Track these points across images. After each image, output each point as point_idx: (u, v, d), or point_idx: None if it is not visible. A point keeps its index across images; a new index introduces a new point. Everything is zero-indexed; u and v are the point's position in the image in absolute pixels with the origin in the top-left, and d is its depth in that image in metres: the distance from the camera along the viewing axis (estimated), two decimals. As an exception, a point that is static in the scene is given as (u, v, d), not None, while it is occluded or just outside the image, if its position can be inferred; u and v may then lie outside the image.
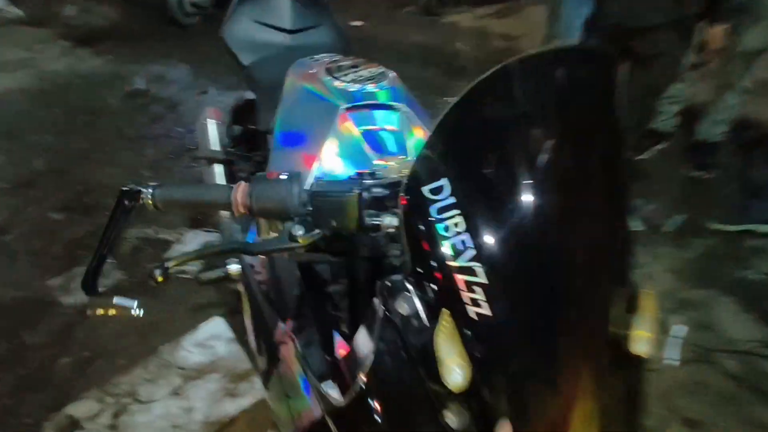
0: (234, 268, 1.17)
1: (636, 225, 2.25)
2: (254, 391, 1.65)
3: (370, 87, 0.96)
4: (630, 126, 1.96)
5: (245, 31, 1.49)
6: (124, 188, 0.67)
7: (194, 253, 0.65)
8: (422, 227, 0.50)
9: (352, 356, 0.55)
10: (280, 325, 0.78)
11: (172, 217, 2.38)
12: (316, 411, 0.62)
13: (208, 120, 1.67)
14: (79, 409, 1.62)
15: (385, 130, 0.89)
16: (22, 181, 2.66)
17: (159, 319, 1.91)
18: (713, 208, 2.36)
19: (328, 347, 0.68)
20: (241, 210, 0.63)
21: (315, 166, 0.83)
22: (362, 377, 0.51)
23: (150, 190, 0.65)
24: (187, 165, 2.77)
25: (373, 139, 0.87)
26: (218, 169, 1.61)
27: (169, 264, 0.62)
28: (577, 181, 0.51)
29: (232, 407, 1.61)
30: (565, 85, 0.51)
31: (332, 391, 0.57)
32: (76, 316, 1.93)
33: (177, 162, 2.80)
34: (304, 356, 0.68)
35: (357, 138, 0.86)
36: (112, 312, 0.79)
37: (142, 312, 0.75)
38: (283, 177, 0.61)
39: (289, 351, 0.72)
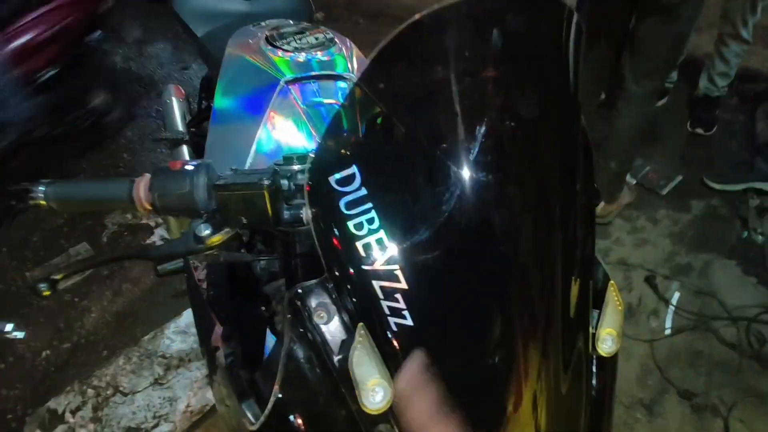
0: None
1: (632, 184, 2.16)
2: (237, 378, 1.61)
3: (318, 55, 0.86)
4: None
5: (196, 1, 1.37)
6: (10, 189, 0.58)
7: (83, 263, 0.58)
8: (332, 224, 0.42)
9: (264, 374, 0.48)
10: (217, 329, 0.72)
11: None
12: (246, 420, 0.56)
13: (172, 98, 1.58)
14: (61, 402, 1.59)
15: (331, 104, 0.80)
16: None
17: (139, 307, 1.87)
18: (714, 166, 2.25)
19: (258, 358, 0.62)
20: (145, 207, 0.55)
21: (252, 147, 0.75)
22: (277, 394, 0.45)
23: (42, 188, 0.57)
24: (167, 145, 2.68)
25: (315, 116, 0.78)
26: (185, 150, 1.53)
27: (57, 276, 0.55)
28: (517, 155, 0.43)
29: (214, 395, 1.57)
30: (503, 41, 0.42)
31: (249, 412, 0.50)
32: (56, 308, 1.89)
33: (157, 144, 2.71)
34: (230, 368, 0.61)
35: (298, 114, 0.77)
36: None
37: (21, 335, 0.67)
38: (189, 168, 0.53)
39: (221, 356, 0.66)
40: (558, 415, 0.47)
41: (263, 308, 0.68)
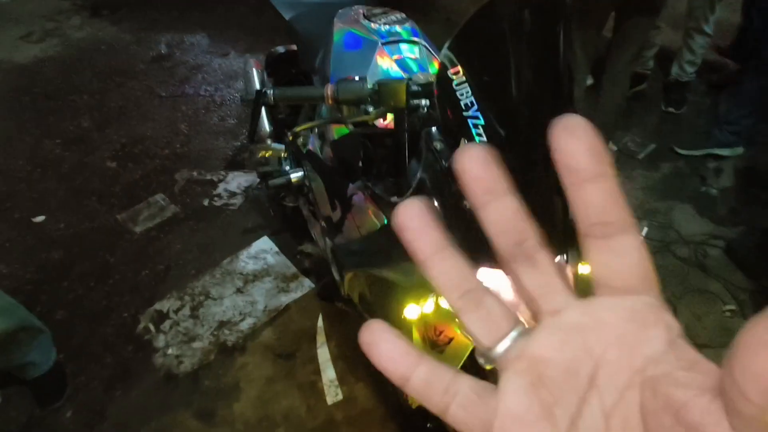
0: (295, 175, 1.56)
1: (614, 150, 2.63)
2: (302, 288, 2.06)
3: (397, 28, 1.32)
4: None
5: None
6: (257, 90, 1.03)
7: (312, 123, 1.02)
8: (448, 94, 0.87)
9: (408, 175, 0.93)
10: (350, 185, 1.16)
11: (214, 161, 2.75)
12: (380, 222, 1.01)
13: (252, 69, 2.02)
14: (165, 305, 2.04)
15: (409, 57, 1.26)
16: (73, 136, 3.02)
17: (216, 240, 2.31)
18: (682, 137, 2.73)
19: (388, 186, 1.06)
20: (330, 101, 1.00)
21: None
22: (414, 183, 0.90)
23: (271, 92, 1.01)
24: (219, 119, 3.12)
25: (402, 64, 1.24)
26: (262, 110, 1.97)
27: (297, 129, 1.00)
28: (535, 78, 0.88)
29: (285, 299, 2.02)
30: (526, 26, 0.87)
31: (394, 198, 0.95)
32: (146, 240, 2.33)
33: (209, 117, 3.14)
34: (374, 192, 1.05)
35: (391, 64, 1.23)
36: (269, 153, 1.17)
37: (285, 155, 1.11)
38: (356, 78, 0.98)
39: (360, 197, 1.10)
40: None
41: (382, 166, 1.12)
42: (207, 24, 4.19)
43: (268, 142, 1.87)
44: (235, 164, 2.74)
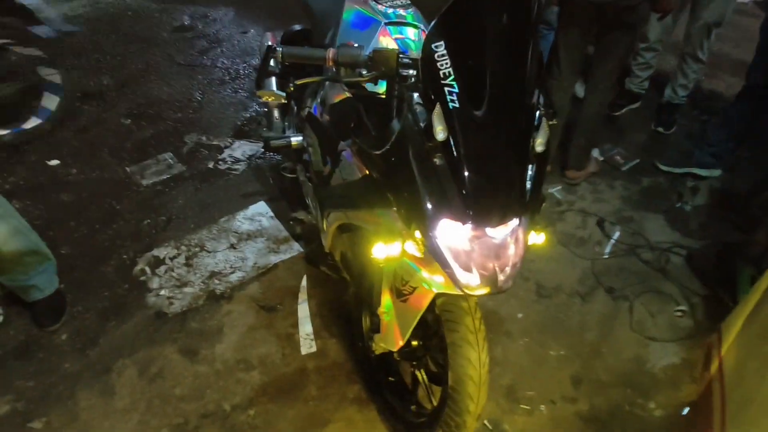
0: (295, 139, 1.71)
1: (599, 160, 2.77)
2: (291, 251, 2.21)
3: (401, 11, 1.47)
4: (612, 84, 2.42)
5: None
6: (268, 44, 1.17)
7: (311, 78, 1.17)
8: (430, 64, 1.02)
9: (389, 130, 1.07)
10: (341, 143, 1.30)
11: (223, 128, 2.91)
12: (362, 174, 1.15)
13: (268, 42, 2.17)
14: (162, 252, 2.19)
15: (409, 39, 1.41)
16: (94, 91, 3.18)
17: (216, 200, 2.46)
18: (666, 156, 2.87)
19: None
20: (330, 63, 1.14)
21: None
22: (392, 138, 1.04)
23: (280, 49, 1.16)
24: (232, 90, 3.27)
25: (402, 44, 1.39)
26: (273, 80, 2.12)
27: (298, 82, 1.14)
28: (507, 58, 1.02)
29: (275, 259, 2.17)
30: (503, 14, 1.01)
31: (375, 151, 1.09)
32: (152, 193, 2.48)
33: (223, 88, 3.29)
34: (359, 146, 1.19)
35: (392, 42, 1.38)
36: (272, 98, 1.32)
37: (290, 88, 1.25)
38: (355, 45, 1.13)
39: (348, 153, 1.25)
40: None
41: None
42: (232, 1, 4.35)
43: (289, 87, 2.01)
44: (242, 133, 2.89)
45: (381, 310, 1.36)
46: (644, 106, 3.23)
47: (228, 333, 1.90)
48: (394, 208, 1.10)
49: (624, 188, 2.66)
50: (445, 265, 1.05)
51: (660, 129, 3.11)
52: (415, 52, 1.13)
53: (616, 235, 2.33)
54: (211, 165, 2.67)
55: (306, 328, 1.91)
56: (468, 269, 1.05)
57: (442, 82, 0.99)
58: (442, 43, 1.00)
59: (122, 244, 2.22)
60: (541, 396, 1.71)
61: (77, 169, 2.60)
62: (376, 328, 1.42)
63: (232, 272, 2.12)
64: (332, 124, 1.40)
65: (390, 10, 1.45)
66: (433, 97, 1.00)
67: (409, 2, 1.52)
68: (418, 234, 1.07)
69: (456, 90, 0.99)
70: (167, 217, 2.36)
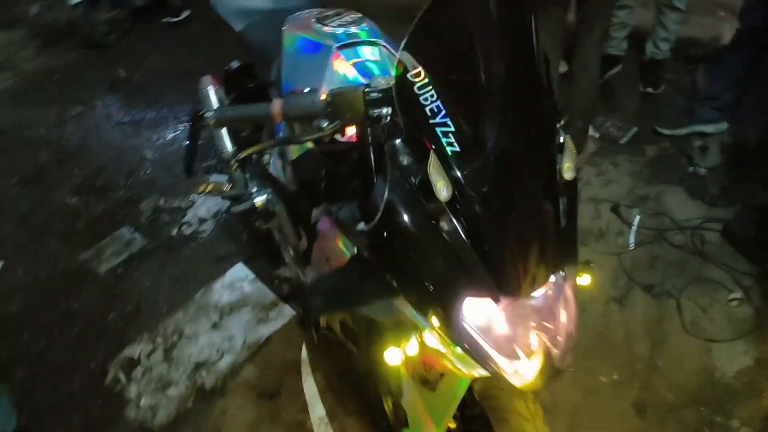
0: (259, 199, 1.42)
1: (596, 137, 2.53)
2: (283, 316, 1.92)
3: (353, 29, 1.19)
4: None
5: (232, 1, 1.68)
6: (196, 112, 0.89)
7: (257, 147, 0.89)
8: (410, 101, 0.75)
9: (374, 197, 0.80)
10: (314, 210, 1.03)
11: (181, 186, 2.60)
12: (349, 251, 0.87)
13: (209, 87, 1.87)
14: (135, 349, 1.88)
15: (370, 60, 1.13)
16: (30, 174, 2.84)
17: (187, 272, 2.16)
18: (663, 117, 2.64)
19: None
20: (278, 119, 0.86)
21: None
22: (381, 205, 0.77)
23: (211, 113, 0.88)
24: (185, 139, 2.96)
25: (362, 68, 1.11)
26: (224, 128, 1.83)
27: (241, 155, 0.86)
28: (509, 68, 0.76)
29: (266, 330, 1.88)
30: (492, 12, 0.75)
31: (360, 225, 0.82)
32: (112, 279, 2.17)
33: (173, 140, 2.98)
34: (338, 218, 0.92)
35: (350, 69, 1.10)
36: (209, 188, 1.03)
37: (230, 187, 0.98)
38: (306, 90, 0.85)
39: (325, 223, 0.97)
40: (549, 218, 0.79)
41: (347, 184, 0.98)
42: (166, 43, 4.03)
43: (231, 164, 1.73)
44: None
45: (405, 401, 1.09)
46: (627, 68, 2.99)
47: (228, 437, 1.61)
48: (401, 295, 0.82)
49: (630, 163, 2.42)
50: (481, 355, 0.79)
51: (649, 89, 2.88)
52: (382, 79, 0.86)
53: (637, 220, 2.08)
54: (174, 232, 2.36)
55: (317, 411, 1.62)
56: (512, 354, 0.78)
57: (431, 121, 0.73)
58: (420, 70, 0.73)
59: (87, 349, 1.91)
60: (606, 438, 1.45)
61: (24, 268, 2.28)
62: (403, 420, 1.14)
63: (220, 358, 1.82)
64: (299, 186, 1.12)
65: (339, 31, 1.17)
66: (422, 143, 0.74)
67: (360, 16, 1.24)
68: (436, 321, 0.80)
69: (452, 129, 0.72)
70: (135, 305, 2.05)
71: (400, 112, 0.76)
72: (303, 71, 1.16)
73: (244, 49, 1.69)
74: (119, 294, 2.11)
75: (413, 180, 0.76)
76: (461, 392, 0.98)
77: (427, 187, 0.73)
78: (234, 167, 0.89)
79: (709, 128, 2.50)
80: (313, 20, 1.22)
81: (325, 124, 0.83)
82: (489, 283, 0.74)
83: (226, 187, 1.05)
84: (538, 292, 0.79)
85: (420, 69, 0.73)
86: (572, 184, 0.83)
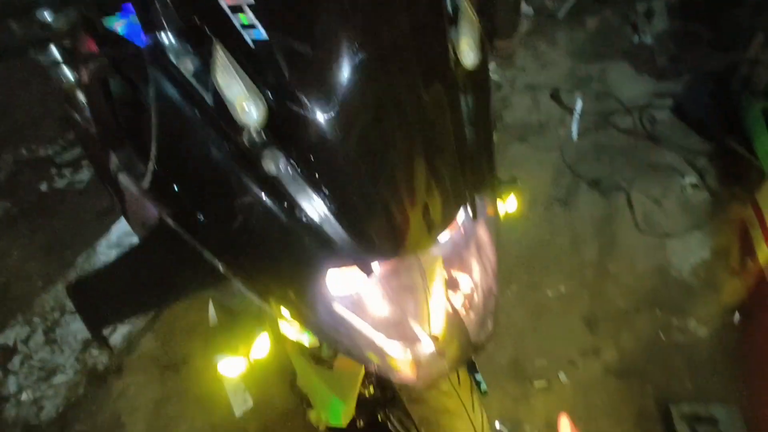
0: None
1: (530, 15, 2.19)
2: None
3: None
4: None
5: None
6: None
7: None
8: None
9: (145, 133, 0.49)
10: (112, 157, 0.70)
11: (46, 127, 2.13)
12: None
13: None
14: (10, 336, 1.57)
15: None
16: None
17: (65, 234, 1.80)
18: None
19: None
20: None
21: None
22: (154, 146, 0.46)
23: None
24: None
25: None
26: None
27: None
28: None
29: (164, 291, 1.59)
30: None
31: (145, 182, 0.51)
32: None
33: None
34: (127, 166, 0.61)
35: None
36: None
37: None
38: None
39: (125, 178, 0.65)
40: (435, 124, 0.50)
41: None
42: None
43: None
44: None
45: (300, 381, 0.86)
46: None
47: (129, 422, 1.37)
48: (234, 279, 0.55)
49: (569, 40, 2.12)
50: (358, 345, 0.54)
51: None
52: None
53: (579, 105, 1.83)
54: (44, 187, 1.95)
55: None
56: (406, 335, 0.55)
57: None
58: None
59: (-49, 344, 1.58)
60: (554, 360, 1.29)
61: None
62: (306, 401, 0.92)
63: (113, 331, 1.54)
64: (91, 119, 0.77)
65: None
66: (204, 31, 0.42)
67: None
68: (285, 311, 0.54)
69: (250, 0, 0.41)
70: (3, 283, 1.70)
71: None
72: None
73: None
74: (-18, 272, 1.74)
75: (206, 99, 0.45)
76: (361, 367, 0.75)
77: (221, 105, 0.42)
78: None
79: (654, -12, 2.19)
80: None
81: (52, 18, 0.49)
82: (351, 243, 0.47)
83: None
84: (443, 237, 0.53)
85: None
86: (479, 72, 0.54)
